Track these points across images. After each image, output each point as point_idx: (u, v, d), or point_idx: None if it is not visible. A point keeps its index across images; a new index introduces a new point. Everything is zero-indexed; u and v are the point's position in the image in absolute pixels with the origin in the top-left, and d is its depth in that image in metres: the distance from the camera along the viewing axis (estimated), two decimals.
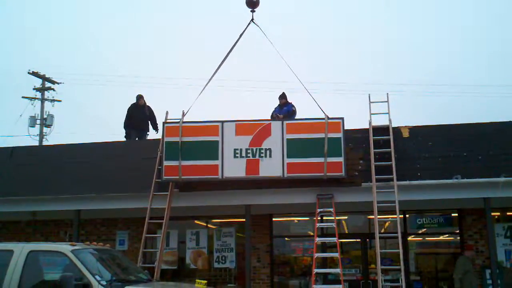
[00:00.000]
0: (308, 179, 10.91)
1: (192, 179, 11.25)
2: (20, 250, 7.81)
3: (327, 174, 10.59)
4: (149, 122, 14.67)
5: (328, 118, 10.78)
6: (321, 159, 10.59)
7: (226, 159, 10.91)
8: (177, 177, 11.03)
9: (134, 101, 14.65)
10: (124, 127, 14.47)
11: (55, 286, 7.17)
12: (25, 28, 63.06)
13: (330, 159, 10.55)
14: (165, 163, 11.08)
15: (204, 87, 11.73)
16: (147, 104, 14.68)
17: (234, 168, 10.88)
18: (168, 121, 11.56)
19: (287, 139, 10.87)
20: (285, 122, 11.11)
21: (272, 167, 10.81)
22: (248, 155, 10.90)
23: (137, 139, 14.21)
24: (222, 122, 11.12)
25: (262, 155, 10.88)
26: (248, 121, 11.25)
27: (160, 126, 11.37)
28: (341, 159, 10.62)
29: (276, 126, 11.02)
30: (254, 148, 10.90)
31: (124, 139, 14.31)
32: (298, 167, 10.78)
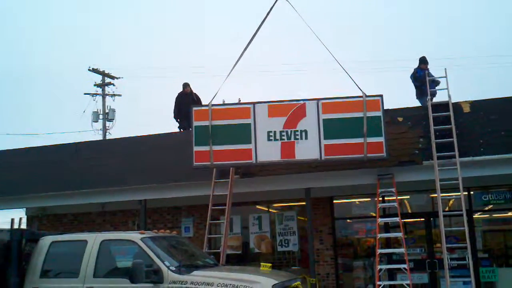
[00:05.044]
0: (348, 161, 10.50)
1: (224, 165, 10.89)
2: (93, 239, 8.24)
3: (367, 155, 9.99)
4: None
5: (366, 96, 10.22)
6: (360, 140, 10.00)
7: (259, 142, 10.29)
8: (209, 163, 10.50)
9: (181, 90, 14.62)
10: (175, 117, 14.52)
11: (127, 273, 7.47)
12: (77, 26, 65.15)
13: (370, 139, 9.99)
14: (195, 148, 10.49)
15: (232, 68, 10.95)
16: (194, 91, 14.64)
17: (268, 152, 10.29)
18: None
19: (323, 119, 10.19)
20: (321, 102, 10.31)
21: (308, 149, 10.18)
22: (283, 137, 10.25)
23: (190, 128, 14.34)
24: (254, 103, 10.48)
25: (297, 137, 10.21)
26: (281, 101, 10.54)
27: None
28: (381, 139, 9.97)
29: (311, 106, 10.30)
30: (289, 130, 10.25)
31: (178, 130, 14.42)
32: (336, 148, 10.14)
